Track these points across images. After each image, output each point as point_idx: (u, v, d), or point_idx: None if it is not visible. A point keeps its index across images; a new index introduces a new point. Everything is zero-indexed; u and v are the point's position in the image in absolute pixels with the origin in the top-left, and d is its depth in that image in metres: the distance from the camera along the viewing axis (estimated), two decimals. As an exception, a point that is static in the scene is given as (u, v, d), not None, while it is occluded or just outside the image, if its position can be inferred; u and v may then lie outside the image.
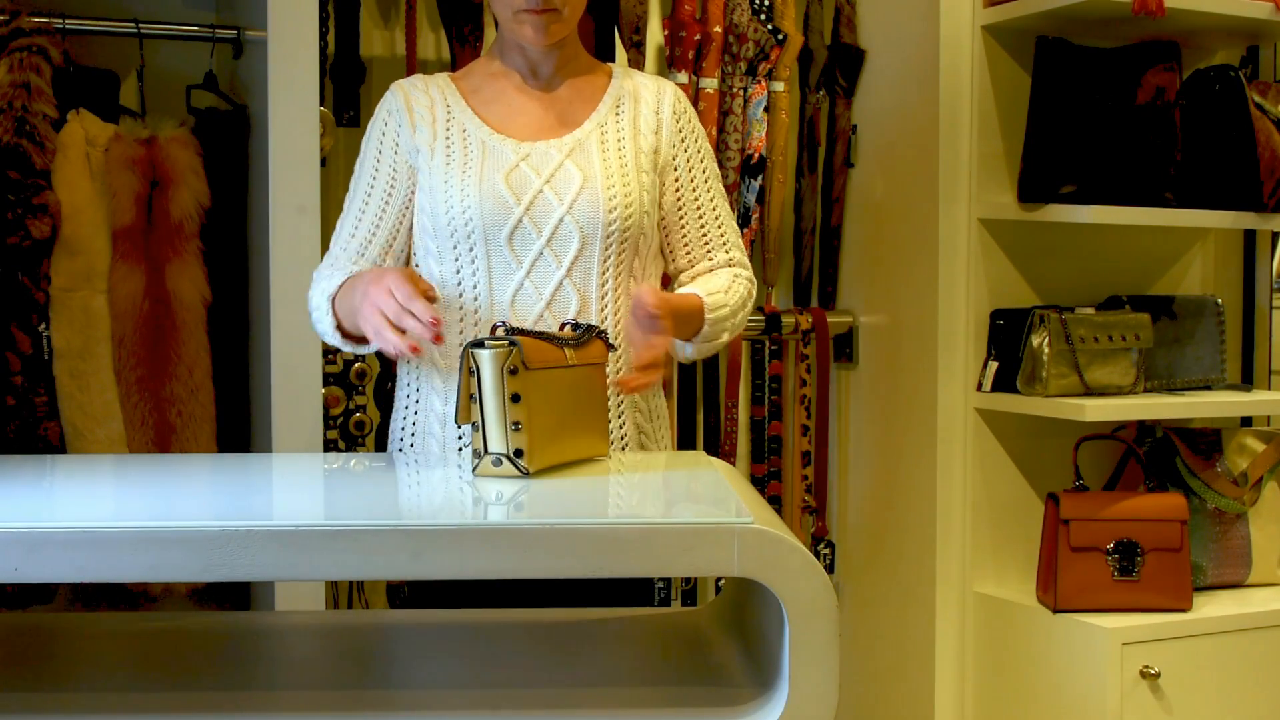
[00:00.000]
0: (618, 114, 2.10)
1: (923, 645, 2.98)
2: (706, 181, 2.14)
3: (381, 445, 2.75)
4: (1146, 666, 2.70)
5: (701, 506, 1.60)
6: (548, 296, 2.00)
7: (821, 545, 3.16)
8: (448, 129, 2.06)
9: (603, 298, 2.02)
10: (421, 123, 2.06)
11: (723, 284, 2.08)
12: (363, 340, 1.96)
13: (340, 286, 1.99)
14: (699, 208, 2.13)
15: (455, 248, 2.01)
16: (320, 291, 2.01)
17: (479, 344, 1.65)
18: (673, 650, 1.68)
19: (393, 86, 2.12)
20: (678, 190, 2.11)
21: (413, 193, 2.06)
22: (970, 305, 2.95)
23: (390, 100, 2.09)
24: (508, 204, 2.00)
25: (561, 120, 2.09)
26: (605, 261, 2.03)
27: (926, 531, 2.97)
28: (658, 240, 2.11)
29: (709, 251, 2.13)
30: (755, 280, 2.16)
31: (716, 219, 2.15)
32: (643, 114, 2.11)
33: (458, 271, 2.01)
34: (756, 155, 3.01)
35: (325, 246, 2.47)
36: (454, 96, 2.08)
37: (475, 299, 2.00)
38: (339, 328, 2.00)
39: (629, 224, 2.04)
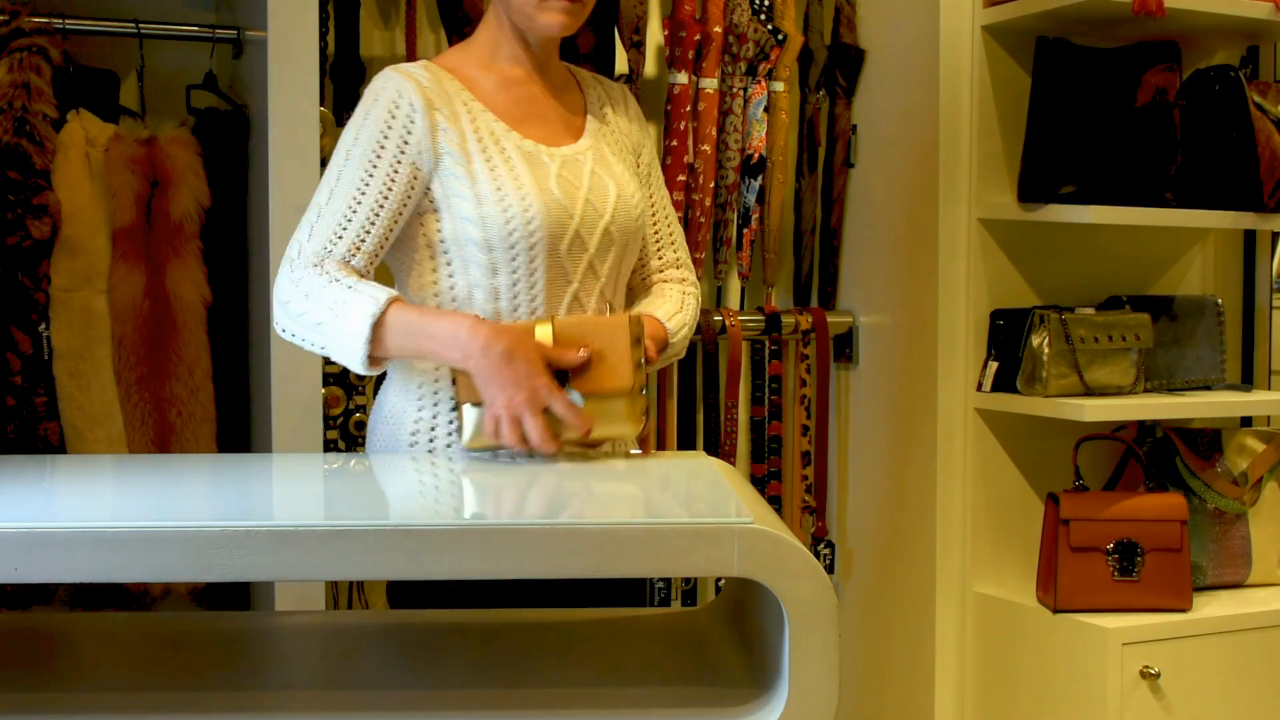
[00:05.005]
0: (603, 118, 2.09)
1: (923, 645, 2.98)
2: (660, 180, 2.16)
3: (381, 445, 2.74)
4: (1146, 666, 2.70)
5: (701, 506, 1.60)
6: (591, 307, 1.98)
7: (821, 545, 3.16)
8: (475, 132, 1.95)
9: (614, 305, 2.04)
10: (447, 124, 1.94)
11: (676, 304, 2.09)
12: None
13: (385, 314, 1.81)
14: (653, 206, 2.14)
15: (514, 260, 1.91)
16: (358, 313, 1.81)
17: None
18: (673, 650, 1.68)
19: (398, 78, 1.95)
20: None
21: (412, 197, 1.92)
22: (970, 305, 2.95)
23: (403, 94, 1.93)
24: (568, 214, 1.94)
25: (566, 123, 2.05)
26: (624, 269, 2.05)
27: (926, 531, 2.97)
28: None
29: (659, 250, 2.14)
30: (698, 284, 2.19)
31: (666, 218, 2.16)
32: (619, 118, 2.11)
33: (514, 285, 1.93)
34: (756, 155, 3.01)
35: (325, 246, 2.46)
36: (467, 95, 1.98)
37: (532, 314, 1.93)
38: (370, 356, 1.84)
39: (642, 231, 2.06)
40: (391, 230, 1.92)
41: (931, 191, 2.93)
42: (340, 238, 1.89)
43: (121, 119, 2.52)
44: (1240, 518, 2.98)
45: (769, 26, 2.99)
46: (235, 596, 2.66)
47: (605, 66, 2.88)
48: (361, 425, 2.70)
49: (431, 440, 1.97)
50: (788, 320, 3.11)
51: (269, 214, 2.37)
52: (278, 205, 2.37)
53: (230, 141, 2.56)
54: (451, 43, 2.80)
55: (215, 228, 2.53)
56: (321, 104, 2.53)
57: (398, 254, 1.98)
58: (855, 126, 3.16)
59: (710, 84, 2.95)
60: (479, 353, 1.78)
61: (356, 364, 1.83)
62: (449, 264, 1.94)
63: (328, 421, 2.61)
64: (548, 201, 1.92)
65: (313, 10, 2.39)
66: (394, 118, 1.92)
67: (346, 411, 2.70)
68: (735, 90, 2.99)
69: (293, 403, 2.38)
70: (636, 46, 2.91)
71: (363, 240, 1.89)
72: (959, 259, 2.94)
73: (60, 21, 2.46)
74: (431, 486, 1.76)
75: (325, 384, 2.60)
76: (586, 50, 2.84)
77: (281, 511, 1.61)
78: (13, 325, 2.39)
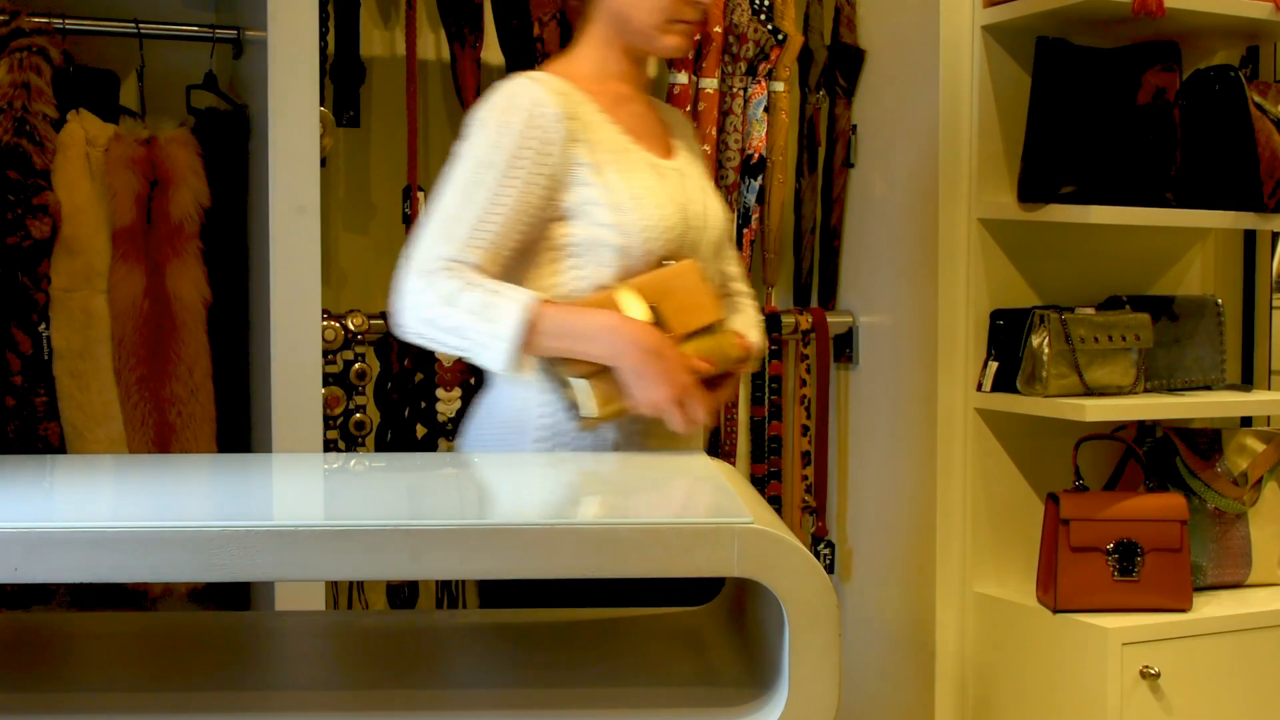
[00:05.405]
0: (681, 138, 2.18)
1: (923, 645, 2.98)
2: None
3: (382, 446, 2.74)
4: (1146, 666, 2.70)
5: (701, 506, 1.60)
6: None
7: (821, 545, 3.16)
8: (605, 143, 2.00)
9: None
10: (581, 134, 1.97)
11: (751, 318, 2.20)
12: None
13: (534, 315, 1.86)
14: None
15: (646, 266, 1.98)
16: (506, 316, 1.85)
17: None
18: (673, 650, 1.68)
19: (535, 87, 1.97)
20: None
21: (543, 206, 1.95)
22: (970, 305, 2.95)
23: (543, 103, 1.95)
24: (694, 225, 2.04)
25: (662, 140, 2.13)
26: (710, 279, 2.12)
27: (926, 531, 2.97)
28: None
29: (720, 266, 2.19)
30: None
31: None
32: (689, 139, 2.20)
33: None
34: (756, 155, 3.01)
35: (326, 246, 2.47)
36: (593, 107, 2.01)
37: None
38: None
39: None
40: (523, 238, 1.95)
41: (931, 191, 2.93)
42: (477, 245, 1.90)
43: (121, 119, 2.52)
44: (1240, 518, 2.98)
45: (769, 26, 2.99)
46: (235, 596, 2.67)
47: (605, 66, 2.88)
48: (361, 425, 2.70)
49: (555, 442, 1.99)
50: (788, 320, 3.11)
51: (269, 214, 2.37)
52: (278, 205, 2.37)
53: (230, 141, 2.56)
54: (451, 43, 2.80)
55: (215, 228, 2.53)
56: (321, 104, 2.53)
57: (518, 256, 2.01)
58: (855, 126, 3.16)
59: (710, 84, 2.95)
60: (632, 350, 1.88)
61: (500, 365, 1.87)
62: (575, 267, 1.98)
63: (328, 421, 2.62)
64: (679, 210, 2.01)
65: (313, 10, 2.39)
66: (534, 127, 1.94)
67: (346, 411, 2.70)
68: (735, 90, 2.99)
69: (293, 403, 2.38)
70: (636, 46, 2.91)
71: (497, 248, 1.92)
72: (959, 259, 2.94)
73: (60, 21, 2.47)
74: (429, 486, 1.76)
75: (325, 384, 2.61)
76: (586, 50, 2.84)
77: (282, 511, 1.61)
78: (13, 325, 2.39)
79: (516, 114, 1.95)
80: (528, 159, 1.93)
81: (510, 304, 1.86)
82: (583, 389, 1.91)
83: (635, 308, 1.93)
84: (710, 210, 2.10)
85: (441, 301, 1.88)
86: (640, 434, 2.01)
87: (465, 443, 2.12)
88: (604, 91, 2.05)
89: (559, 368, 1.93)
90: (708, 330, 1.99)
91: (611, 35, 2.06)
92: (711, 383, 1.99)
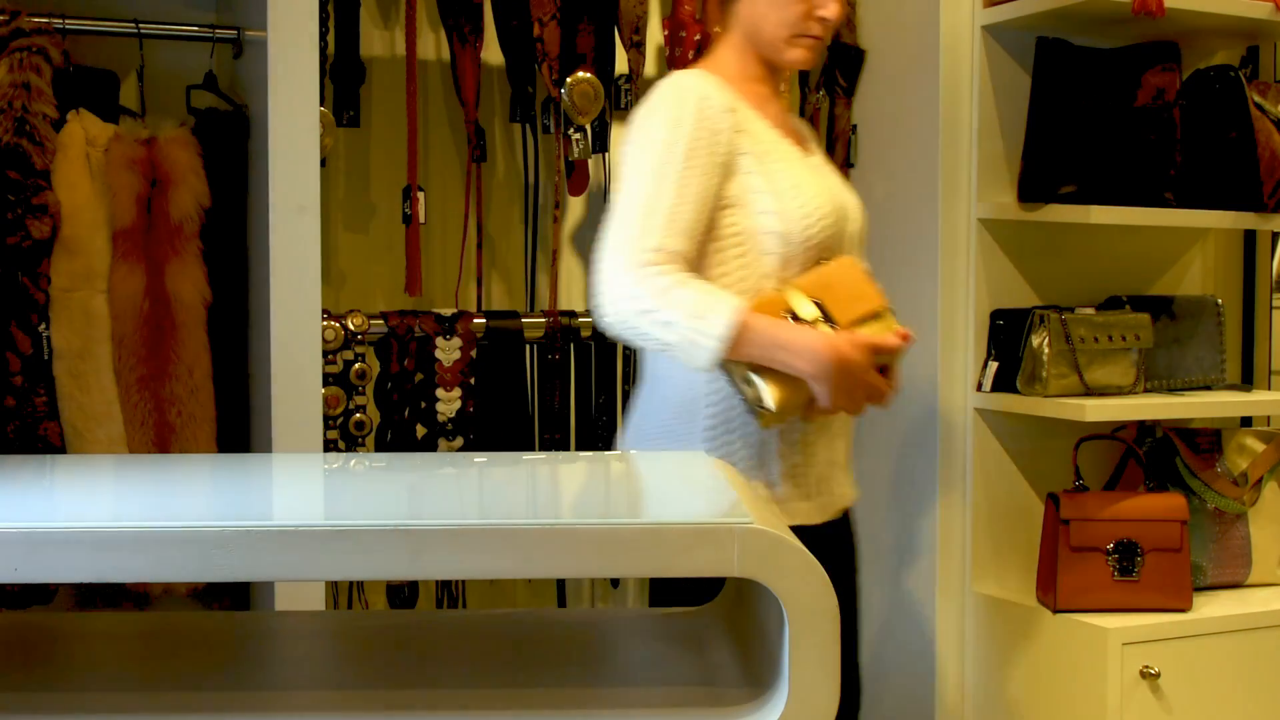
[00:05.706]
0: (811, 136, 2.25)
1: (923, 645, 2.98)
2: None
3: (382, 446, 2.74)
4: (1146, 666, 2.70)
5: (701, 506, 1.60)
6: None
7: (822, 545, 3.16)
8: (761, 135, 2.08)
9: None
10: (744, 124, 2.07)
11: None
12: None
13: (745, 321, 1.93)
14: None
15: (805, 254, 2.05)
16: (718, 318, 1.92)
17: None
18: (673, 650, 1.68)
19: (699, 82, 2.07)
20: None
21: (719, 188, 2.03)
22: (970, 305, 2.95)
23: (709, 96, 2.04)
24: (842, 217, 2.11)
25: (799, 139, 2.20)
26: None
27: (927, 531, 2.97)
28: None
29: None
30: None
31: None
32: (815, 139, 2.27)
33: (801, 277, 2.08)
34: (756, 155, 3.00)
35: (326, 246, 2.47)
36: (744, 103, 2.10)
37: None
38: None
39: None
40: (709, 224, 2.03)
41: (931, 191, 2.93)
42: (676, 232, 1.97)
43: (121, 119, 2.53)
44: (1240, 518, 2.98)
45: (769, 26, 2.99)
46: (235, 596, 2.67)
47: (605, 66, 2.88)
48: (361, 425, 2.69)
49: (724, 431, 2.08)
50: (788, 320, 3.11)
51: (269, 214, 2.37)
52: (278, 205, 2.37)
53: (230, 141, 2.56)
54: (451, 43, 2.80)
55: (215, 228, 2.53)
56: (321, 104, 2.53)
57: None
58: (855, 126, 3.16)
59: (710, 84, 2.94)
60: (833, 364, 1.95)
61: (703, 362, 1.94)
62: (739, 256, 2.06)
63: (328, 421, 2.61)
64: (831, 200, 2.09)
65: (313, 10, 2.39)
66: (705, 117, 2.02)
67: (346, 411, 2.70)
68: (735, 90, 2.99)
69: (293, 403, 2.38)
70: (636, 46, 2.91)
71: (692, 233, 1.99)
72: (959, 259, 2.94)
73: (60, 21, 2.47)
74: (430, 486, 1.76)
75: (325, 384, 2.60)
76: (585, 50, 2.84)
77: (282, 511, 1.61)
78: (13, 325, 2.39)
79: (687, 106, 2.02)
80: (703, 146, 2.01)
81: (724, 305, 1.93)
82: (766, 387, 1.98)
83: (803, 305, 2.00)
84: (851, 204, 2.18)
85: (655, 294, 1.93)
86: (799, 427, 2.11)
87: (629, 434, 2.17)
88: (750, 91, 2.14)
89: (735, 367, 1.99)
90: (873, 318, 2.06)
91: (745, 43, 2.16)
92: (880, 372, 2.07)
